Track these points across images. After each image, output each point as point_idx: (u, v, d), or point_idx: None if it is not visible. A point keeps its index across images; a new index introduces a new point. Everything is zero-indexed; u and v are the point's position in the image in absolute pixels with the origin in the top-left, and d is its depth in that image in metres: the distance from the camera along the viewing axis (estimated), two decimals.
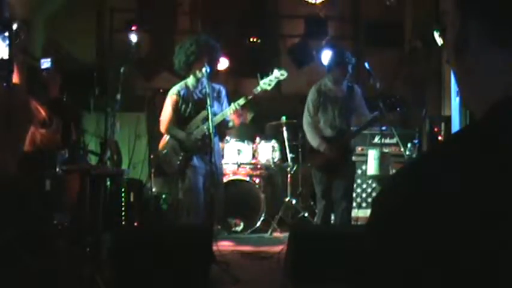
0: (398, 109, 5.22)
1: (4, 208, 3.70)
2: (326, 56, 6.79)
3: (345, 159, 5.37)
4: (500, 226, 0.62)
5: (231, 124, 5.32)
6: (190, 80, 5.11)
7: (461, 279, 0.63)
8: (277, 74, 5.08)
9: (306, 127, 5.45)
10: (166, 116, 5.16)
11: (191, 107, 5.08)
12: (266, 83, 5.04)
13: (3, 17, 4.56)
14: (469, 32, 0.74)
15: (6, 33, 3.74)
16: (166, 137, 5.22)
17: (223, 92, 5.19)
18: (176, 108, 5.11)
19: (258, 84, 5.04)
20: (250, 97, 5.00)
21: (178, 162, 5.04)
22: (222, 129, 5.35)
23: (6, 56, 3.72)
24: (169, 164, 5.18)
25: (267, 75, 5.07)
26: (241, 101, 4.97)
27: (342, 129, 5.35)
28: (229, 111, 5.01)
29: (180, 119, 5.11)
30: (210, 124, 4.73)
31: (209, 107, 4.73)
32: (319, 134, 5.35)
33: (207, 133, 4.85)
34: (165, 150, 5.18)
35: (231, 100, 5.13)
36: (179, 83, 5.23)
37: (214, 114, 4.90)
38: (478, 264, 0.62)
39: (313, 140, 5.38)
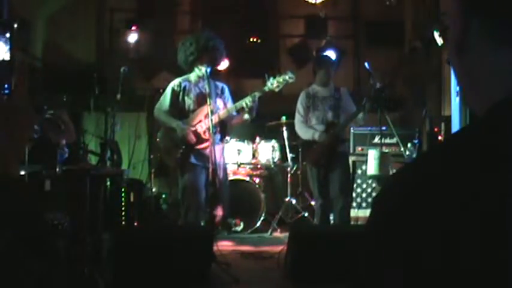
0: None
1: (5, 209, 3.69)
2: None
3: (337, 150, 5.43)
4: (500, 226, 0.62)
5: (241, 117, 5.11)
6: (192, 75, 5.06)
7: (461, 280, 0.62)
8: (286, 77, 4.98)
9: (298, 125, 5.54)
10: (162, 104, 5.04)
11: (192, 100, 5.00)
12: (274, 85, 4.96)
13: (4, 18, 4.52)
14: (471, 31, 0.73)
15: (8, 35, 3.71)
16: (159, 133, 5.15)
17: (227, 90, 5.14)
18: (176, 99, 5.02)
19: (265, 84, 4.94)
20: (259, 95, 4.90)
21: (179, 156, 4.95)
22: (225, 126, 5.20)
23: (7, 58, 3.69)
24: (169, 155, 5.08)
25: (275, 77, 4.99)
26: (249, 99, 4.86)
27: (333, 122, 5.45)
28: (235, 108, 4.94)
29: (179, 111, 5.03)
30: (211, 124, 4.73)
31: (209, 106, 4.72)
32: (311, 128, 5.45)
33: (205, 128, 4.83)
34: (162, 144, 5.11)
35: (233, 99, 5.09)
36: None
37: (216, 111, 4.89)
38: (478, 265, 0.62)
39: (305, 133, 5.46)
